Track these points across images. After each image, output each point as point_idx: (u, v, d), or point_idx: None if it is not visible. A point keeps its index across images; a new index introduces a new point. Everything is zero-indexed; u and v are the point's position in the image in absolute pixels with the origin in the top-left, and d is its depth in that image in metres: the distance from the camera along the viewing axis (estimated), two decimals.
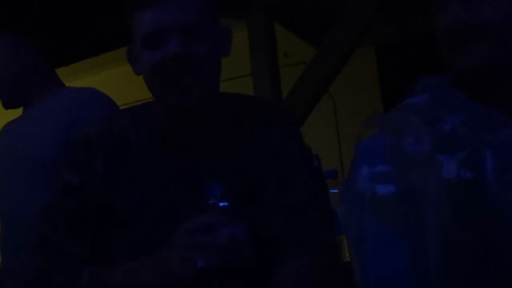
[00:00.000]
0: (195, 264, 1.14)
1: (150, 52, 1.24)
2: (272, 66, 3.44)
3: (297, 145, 1.32)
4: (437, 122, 1.07)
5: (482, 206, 1.01)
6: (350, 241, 1.07)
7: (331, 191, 1.34)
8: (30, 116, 2.00)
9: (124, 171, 1.28)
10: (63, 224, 1.27)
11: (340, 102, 4.55)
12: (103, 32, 4.78)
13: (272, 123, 1.31)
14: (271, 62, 3.44)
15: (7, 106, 2.06)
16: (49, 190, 1.36)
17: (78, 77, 5.33)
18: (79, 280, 1.22)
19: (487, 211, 1.00)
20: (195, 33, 1.24)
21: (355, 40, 3.32)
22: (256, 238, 1.22)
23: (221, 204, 1.18)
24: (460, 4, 1.08)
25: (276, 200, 1.24)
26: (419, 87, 1.14)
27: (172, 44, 1.22)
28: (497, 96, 1.10)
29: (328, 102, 4.39)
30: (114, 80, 4.69)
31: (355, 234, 1.04)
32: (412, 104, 1.13)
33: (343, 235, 1.20)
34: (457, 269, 1.00)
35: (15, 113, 2.08)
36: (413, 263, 0.99)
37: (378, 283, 1.00)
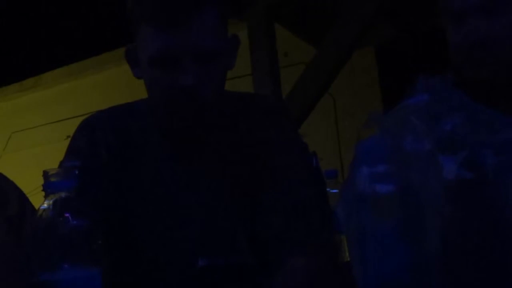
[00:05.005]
0: None
1: (158, 71, 1.18)
2: (272, 66, 3.45)
3: (294, 144, 1.31)
4: (437, 122, 1.07)
5: (482, 206, 1.01)
6: (350, 241, 1.07)
7: (331, 191, 1.34)
8: None
9: (123, 165, 1.27)
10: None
11: (340, 102, 4.55)
12: (105, 32, 4.77)
13: (268, 123, 1.30)
14: (271, 62, 3.44)
15: None
16: None
17: (79, 77, 5.34)
18: None
19: (487, 211, 1.00)
20: (209, 59, 1.17)
21: (355, 40, 3.32)
22: (256, 238, 1.22)
23: None
24: (480, 16, 1.08)
25: (275, 200, 1.23)
26: (419, 87, 1.14)
27: (185, 74, 1.15)
28: (497, 96, 1.10)
29: (328, 102, 4.39)
30: (116, 79, 4.69)
31: (355, 234, 1.04)
32: (412, 104, 1.13)
33: (343, 235, 1.20)
34: (457, 269, 1.00)
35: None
36: (413, 263, 0.99)
37: (378, 283, 1.00)
